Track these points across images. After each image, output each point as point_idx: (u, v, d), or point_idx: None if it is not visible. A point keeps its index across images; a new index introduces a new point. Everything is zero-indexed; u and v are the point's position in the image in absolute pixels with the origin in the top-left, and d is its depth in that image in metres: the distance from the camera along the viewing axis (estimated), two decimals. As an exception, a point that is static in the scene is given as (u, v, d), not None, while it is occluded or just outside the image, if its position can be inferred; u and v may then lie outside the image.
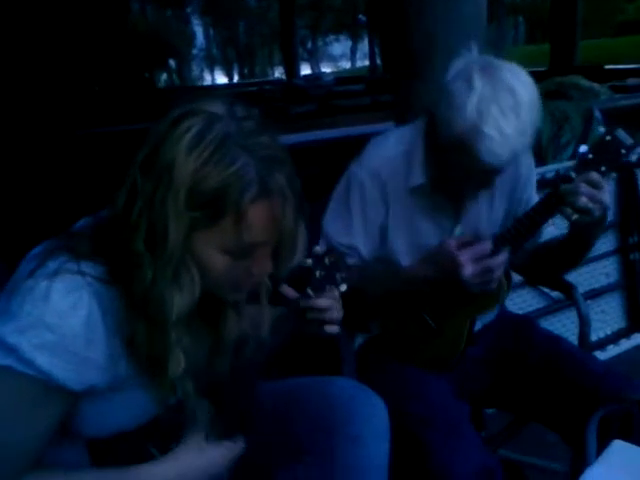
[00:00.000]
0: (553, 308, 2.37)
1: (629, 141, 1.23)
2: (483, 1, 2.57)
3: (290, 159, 0.89)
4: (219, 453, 1.02)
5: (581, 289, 2.29)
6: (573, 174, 1.25)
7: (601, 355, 2.55)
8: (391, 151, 1.43)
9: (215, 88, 18.66)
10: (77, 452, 0.95)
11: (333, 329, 1.08)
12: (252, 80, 28.78)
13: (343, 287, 1.07)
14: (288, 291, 1.08)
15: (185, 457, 0.99)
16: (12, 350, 0.80)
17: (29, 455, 0.86)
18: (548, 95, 4.30)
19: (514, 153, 1.21)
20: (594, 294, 2.52)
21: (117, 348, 0.88)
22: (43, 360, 0.81)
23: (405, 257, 1.46)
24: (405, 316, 1.49)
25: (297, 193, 0.87)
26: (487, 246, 1.32)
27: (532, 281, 1.83)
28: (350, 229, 1.43)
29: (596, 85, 4.39)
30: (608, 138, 1.24)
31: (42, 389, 0.83)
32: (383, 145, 1.46)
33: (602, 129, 1.27)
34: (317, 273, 1.06)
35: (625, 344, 2.64)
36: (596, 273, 2.53)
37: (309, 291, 1.05)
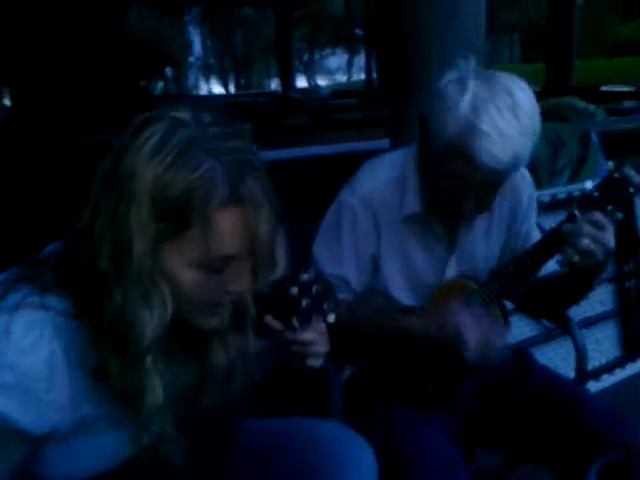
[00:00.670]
0: (548, 337, 2.32)
1: (637, 179, 1.17)
2: (482, 17, 2.53)
3: (263, 166, 0.82)
4: None
5: (576, 317, 2.23)
6: (577, 213, 1.19)
7: (596, 385, 2.50)
8: (383, 178, 1.37)
9: (210, 98, 18.68)
10: None
11: (316, 363, 1.01)
12: (248, 92, 28.86)
13: (331, 318, 1.00)
14: (272, 323, 1.01)
15: None
16: None
17: None
18: (543, 116, 4.27)
19: (515, 158, 1.14)
20: (589, 322, 2.48)
21: (82, 387, 0.81)
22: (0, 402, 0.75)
23: (399, 289, 1.40)
24: (395, 352, 1.41)
25: (272, 201, 0.81)
26: (492, 317, 1.27)
27: (526, 312, 1.76)
28: (341, 260, 1.37)
29: (592, 107, 4.36)
30: (616, 175, 1.18)
31: None
32: (375, 171, 1.40)
33: (610, 164, 1.21)
34: (303, 302, 0.98)
35: (620, 374, 2.59)
36: (591, 301, 2.48)
37: (294, 322, 0.98)
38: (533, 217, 1.47)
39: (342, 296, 1.38)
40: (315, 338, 0.99)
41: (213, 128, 0.80)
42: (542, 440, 1.35)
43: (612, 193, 1.19)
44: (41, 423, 0.79)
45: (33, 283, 0.80)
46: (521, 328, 2.34)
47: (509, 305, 1.78)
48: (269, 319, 1.01)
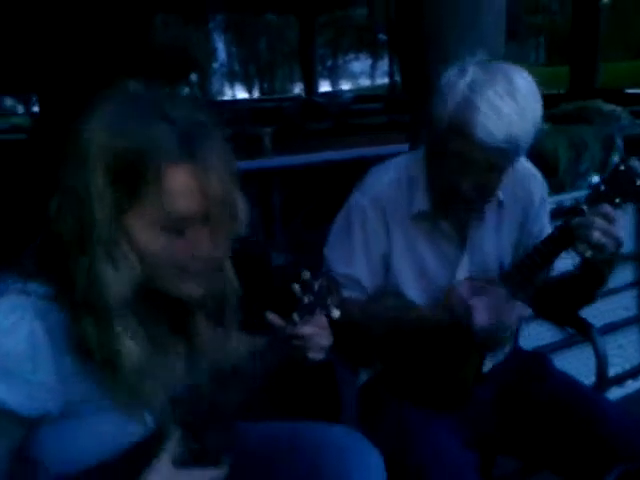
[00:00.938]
0: (569, 342, 2.29)
1: None
2: (502, 22, 2.52)
3: (218, 129, 0.85)
4: (198, 478, 0.95)
5: (598, 323, 2.21)
6: (585, 207, 1.19)
7: (619, 391, 2.46)
8: (392, 178, 1.40)
9: (235, 103, 18.79)
10: None
11: (318, 356, 1.03)
12: (271, 96, 28.96)
13: (335, 313, 1.02)
14: (273, 318, 1.03)
15: None
16: None
17: None
18: (568, 119, 4.23)
19: (513, 138, 1.16)
20: (612, 328, 2.44)
21: (68, 367, 0.83)
22: None
23: (412, 288, 1.41)
24: (410, 352, 1.42)
25: (227, 161, 0.84)
26: (501, 293, 1.25)
27: (545, 316, 1.75)
28: (351, 260, 1.39)
29: (617, 109, 4.31)
30: (622, 168, 1.18)
31: None
32: (384, 172, 1.43)
33: (616, 158, 1.21)
34: (305, 299, 1.01)
35: (644, 380, 2.54)
36: (614, 306, 2.45)
37: (295, 317, 1.01)
38: (545, 217, 1.47)
39: (354, 295, 1.40)
40: (315, 331, 1.00)
41: (165, 96, 0.84)
42: (558, 448, 1.33)
43: (619, 186, 1.18)
44: (32, 404, 0.81)
45: (17, 272, 0.84)
46: (542, 334, 2.31)
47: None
48: (270, 315, 1.03)
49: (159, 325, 0.92)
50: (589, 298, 1.43)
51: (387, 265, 1.41)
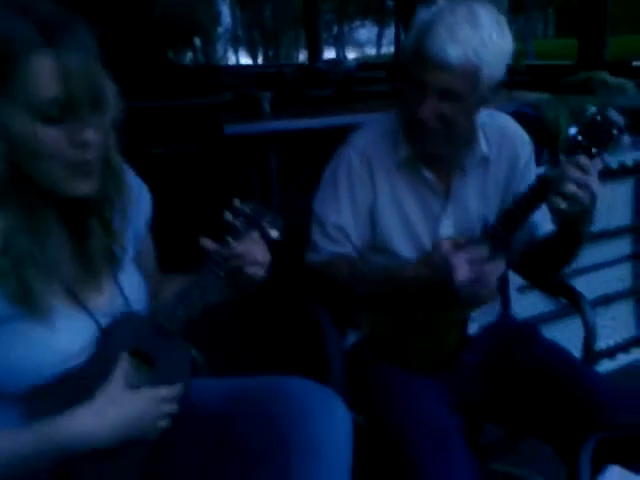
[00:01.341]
0: (561, 313, 2.28)
1: (621, 121, 1.13)
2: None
3: (82, 26, 0.87)
4: (144, 397, 0.96)
5: (592, 295, 2.20)
6: (562, 157, 1.17)
7: (610, 364, 2.47)
8: (377, 131, 1.44)
9: (237, 68, 18.61)
10: (4, 417, 0.92)
11: (258, 272, 1.06)
12: (275, 63, 28.69)
13: (274, 233, 1.06)
14: (207, 243, 1.04)
15: (103, 403, 0.93)
16: None
17: None
18: (573, 90, 4.16)
19: (468, 59, 1.19)
20: (606, 300, 2.43)
21: None
22: None
23: (398, 242, 1.42)
24: (395, 314, 1.42)
25: (88, 46, 0.86)
26: (483, 252, 1.23)
27: (535, 284, 1.73)
28: (338, 208, 1.42)
29: (624, 82, 4.24)
30: (599, 118, 1.14)
31: None
32: (370, 127, 1.47)
33: (593, 109, 1.17)
34: (237, 223, 1.05)
35: (636, 353, 2.54)
36: (608, 278, 2.44)
37: (229, 239, 1.04)
38: (532, 179, 1.45)
39: (342, 250, 1.43)
40: (249, 247, 1.04)
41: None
42: (543, 415, 1.33)
43: (595, 136, 1.15)
44: None
45: None
46: (535, 304, 2.31)
47: (520, 281, 1.77)
48: (203, 240, 1.04)
49: (49, 222, 0.95)
50: (567, 256, 1.39)
51: (373, 219, 1.42)
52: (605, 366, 2.42)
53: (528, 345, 1.44)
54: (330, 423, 1.03)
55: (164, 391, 0.98)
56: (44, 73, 0.82)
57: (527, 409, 1.36)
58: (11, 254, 0.88)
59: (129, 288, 1.06)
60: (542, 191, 1.20)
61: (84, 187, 0.92)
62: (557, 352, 1.42)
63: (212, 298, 1.05)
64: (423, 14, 1.25)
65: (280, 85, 6.91)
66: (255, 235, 1.05)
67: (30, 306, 0.89)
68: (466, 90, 1.24)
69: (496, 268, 1.25)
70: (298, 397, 1.07)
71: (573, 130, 1.18)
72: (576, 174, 1.13)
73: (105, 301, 1.02)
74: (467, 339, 1.41)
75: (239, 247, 1.03)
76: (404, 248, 1.42)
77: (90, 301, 0.99)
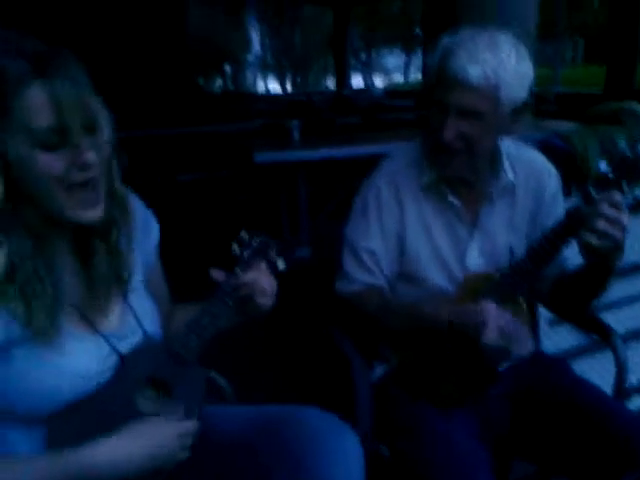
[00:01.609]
0: (592, 347, 2.25)
1: None
2: (532, 25, 2.49)
3: (73, 60, 0.92)
4: (167, 430, 0.99)
5: (623, 329, 2.17)
6: (593, 193, 1.17)
7: (642, 399, 2.41)
8: (405, 159, 1.49)
9: (266, 96, 18.87)
10: (31, 437, 0.96)
11: (266, 301, 1.09)
12: (303, 89, 29.02)
13: (281, 264, 1.10)
14: (216, 274, 1.08)
15: (129, 435, 0.96)
16: None
17: None
18: (603, 119, 4.14)
19: (485, 75, 1.23)
20: (638, 335, 2.39)
21: None
22: None
23: (425, 268, 1.45)
24: (424, 348, 1.42)
25: (78, 75, 0.91)
26: (516, 321, 1.27)
27: (565, 317, 1.72)
28: (368, 232, 1.46)
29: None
30: (629, 154, 1.16)
31: None
32: (396, 156, 1.52)
33: (623, 144, 1.18)
34: (244, 254, 1.09)
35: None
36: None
37: (237, 270, 1.08)
38: (559, 213, 1.45)
39: (373, 281, 1.46)
40: (256, 277, 1.07)
41: (28, 37, 0.92)
42: (573, 452, 1.31)
43: (626, 172, 1.16)
44: None
45: None
46: (565, 338, 2.28)
47: (550, 315, 1.75)
48: (213, 271, 1.08)
49: (55, 245, 0.99)
50: (598, 289, 1.39)
51: (402, 245, 1.46)
52: (637, 402, 2.36)
53: (558, 380, 1.43)
54: (342, 453, 1.06)
55: (185, 424, 1.01)
56: (37, 104, 0.87)
57: (557, 446, 1.35)
58: (18, 279, 0.91)
59: (140, 310, 1.10)
60: (573, 227, 1.21)
61: (90, 214, 0.96)
62: (588, 388, 1.41)
63: (222, 325, 1.09)
64: (445, 40, 1.31)
65: (309, 113, 7.00)
66: (262, 265, 1.09)
67: (39, 329, 0.93)
68: (487, 109, 1.27)
69: (524, 342, 1.29)
70: (312, 426, 1.10)
71: (603, 165, 1.19)
72: (609, 211, 1.14)
73: (116, 322, 1.06)
74: (496, 373, 1.40)
75: (246, 277, 1.07)
76: (432, 274, 1.44)
77: (100, 322, 1.03)
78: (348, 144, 4.18)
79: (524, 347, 1.29)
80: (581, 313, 1.59)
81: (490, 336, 1.23)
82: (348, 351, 1.45)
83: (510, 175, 1.43)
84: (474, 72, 1.23)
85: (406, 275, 1.47)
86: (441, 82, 1.29)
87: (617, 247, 1.19)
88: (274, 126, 5.11)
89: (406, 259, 1.46)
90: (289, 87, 39.08)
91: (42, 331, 0.93)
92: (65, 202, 0.93)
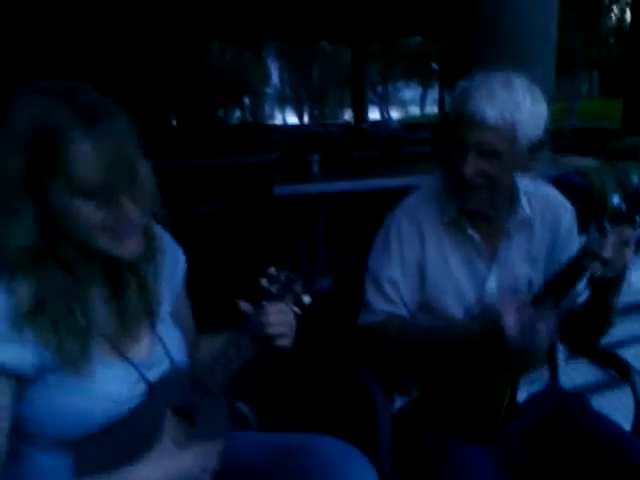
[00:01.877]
0: (610, 383, 2.24)
1: None
2: (551, 62, 2.54)
3: (120, 111, 0.95)
4: (191, 459, 1.03)
5: (642, 365, 2.16)
6: (608, 226, 1.22)
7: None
8: (425, 194, 1.54)
9: (284, 127, 19.11)
10: (59, 461, 0.99)
11: (284, 342, 1.11)
12: (320, 121, 29.37)
13: (306, 298, 1.12)
14: (244, 306, 1.11)
15: (154, 463, 0.99)
16: None
17: None
18: (620, 155, 4.16)
19: (506, 119, 1.28)
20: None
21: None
22: None
23: (444, 300, 1.48)
24: (445, 380, 1.45)
25: (126, 135, 0.94)
26: (532, 309, 1.29)
27: (583, 353, 1.74)
28: (390, 262, 1.50)
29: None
30: None
31: None
32: (418, 190, 1.57)
33: (636, 178, 1.23)
34: (272, 288, 1.11)
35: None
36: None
37: (264, 304, 1.10)
38: (574, 247, 1.50)
39: (397, 311, 1.49)
40: (279, 319, 1.09)
41: (74, 84, 0.95)
42: None
43: (638, 205, 1.21)
44: (12, 359, 0.92)
45: None
46: (584, 374, 2.28)
47: (567, 352, 1.77)
48: (242, 303, 1.11)
49: (88, 277, 1.02)
50: (602, 325, 1.45)
51: (422, 276, 1.50)
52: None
53: (577, 415, 1.45)
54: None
55: (209, 454, 1.05)
56: (84, 159, 0.90)
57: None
58: (49, 311, 0.95)
59: (169, 340, 1.14)
60: (587, 260, 1.25)
61: (129, 250, 1.00)
62: (607, 423, 1.42)
63: (247, 356, 1.12)
64: (463, 83, 1.37)
65: (327, 145, 7.08)
66: (285, 307, 1.11)
67: (70, 359, 0.96)
68: (504, 148, 1.32)
69: (546, 316, 1.29)
70: (328, 455, 1.15)
71: (616, 199, 1.23)
72: (616, 242, 1.20)
73: (145, 351, 1.10)
74: (516, 407, 1.42)
75: (271, 318, 1.09)
76: (450, 305, 1.48)
77: (129, 350, 1.07)
78: (367, 177, 4.24)
79: (546, 343, 1.29)
80: (591, 348, 1.62)
81: (510, 318, 1.26)
82: (371, 384, 1.48)
83: (527, 210, 1.47)
84: (491, 112, 1.29)
85: (425, 305, 1.51)
86: (460, 122, 1.34)
87: (618, 279, 1.26)
88: (293, 159, 5.18)
89: (425, 289, 1.50)
90: (306, 118, 39.53)
91: (73, 361, 0.97)
92: (103, 241, 0.97)
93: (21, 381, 0.94)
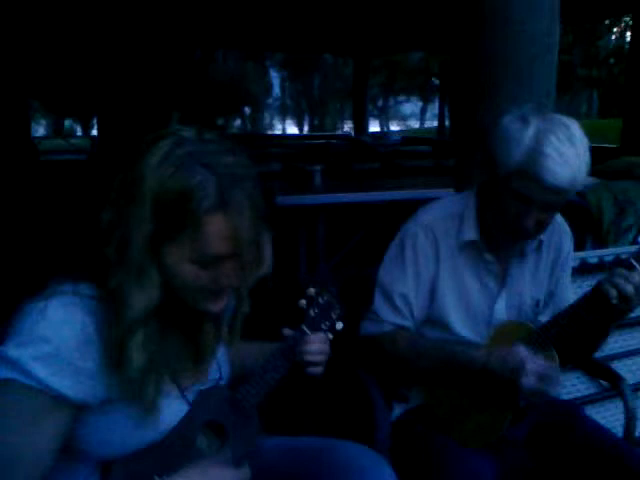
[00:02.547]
0: (602, 396, 2.29)
1: None
2: (553, 79, 2.59)
3: (254, 177, 0.95)
4: (223, 474, 1.03)
5: (634, 379, 2.21)
6: (634, 262, 1.31)
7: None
8: (444, 211, 1.53)
9: (284, 137, 19.17)
10: (88, 475, 0.99)
11: (317, 371, 1.15)
12: (320, 132, 29.45)
13: (339, 325, 1.16)
14: (286, 330, 1.15)
15: (193, 476, 1.00)
16: (14, 363, 0.87)
17: (34, 470, 0.90)
18: (616, 175, 4.21)
19: (574, 178, 1.29)
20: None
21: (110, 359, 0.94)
22: (41, 370, 0.87)
23: (453, 316, 1.51)
24: (447, 389, 1.49)
25: (258, 208, 0.93)
26: (556, 370, 1.35)
27: (571, 363, 1.79)
28: (403, 277, 1.50)
29: (668, 168, 4.26)
30: None
31: (43, 400, 0.89)
32: (437, 206, 1.57)
33: None
34: (311, 312, 1.14)
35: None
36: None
37: (304, 328, 1.13)
38: (568, 272, 1.60)
39: (405, 324, 1.51)
40: (318, 348, 1.13)
41: (212, 145, 0.95)
42: None
43: None
44: (78, 389, 0.91)
45: (70, 278, 0.96)
46: (576, 386, 2.32)
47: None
48: (285, 329, 1.15)
49: (173, 328, 1.04)
50: (598, 343, 1.53)
51: (433, 292, 1.51)
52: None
53: (572, 425, 1.49)
54: None
55: (241, 471, 1.06)
56: (214, 234, 0.90)
57: None
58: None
59: (220, 356, 1.16)
60: (601, 299, 1.34)
61: (217, 307, 1.02)
62: (600, 430, 1.47)
63: (280, 377, 1.15)
64: (522, 131, 1.32)
65: (328, 157, 7.13)
66: (325, 337, 1.14)
67: (144, 402, 0.96)
68: (565, 201, 1.37)
69: (558, 384, 1.35)
70: (351, 458, 1.18)
71: None
72: (638, 282, 1.29)
73: (205, 380, 1.11)
74: (518, 414, 1.47)
75: (312, 347, 1.12)
76: (458, 322, 1.51)
77: (192, 385, 1.08)
78: (367, 189, 4.30)
79: (558, 387, 1.36)
80: (585, 361, 1.69)
81: (529, 379, 1.30)
82: (372, 391, 1.52)
83: (542, 235, 1.51)
84: (566, 178, 1.28)
85: (432, 320, 1.53)
86: (525, 178, 1.31)
87: (627, 311, 1.34)
88: (294, 169, 5.24)
89: (435, 304, 1.51)
90: (306, 128, 39.61)
91: (145, 403, 0.96)
92: (200, 299, 0.99)
93: (83, 408, 0.94)
